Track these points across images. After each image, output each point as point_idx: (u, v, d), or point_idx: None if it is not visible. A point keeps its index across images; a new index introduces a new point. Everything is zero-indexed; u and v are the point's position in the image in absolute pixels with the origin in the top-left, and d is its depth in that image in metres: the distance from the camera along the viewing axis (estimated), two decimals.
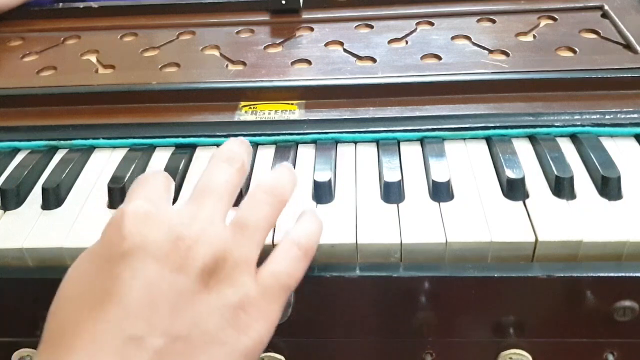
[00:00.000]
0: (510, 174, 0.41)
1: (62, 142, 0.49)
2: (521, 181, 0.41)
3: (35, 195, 0.44)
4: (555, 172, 0.41)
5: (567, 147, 0.45)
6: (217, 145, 0.48)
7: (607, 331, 0.40)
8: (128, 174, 0.44)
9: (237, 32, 0.63)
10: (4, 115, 0.52)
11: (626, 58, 0.52)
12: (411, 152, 0.46)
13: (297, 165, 0.45)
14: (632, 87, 0.49)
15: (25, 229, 0.41)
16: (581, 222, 0.38)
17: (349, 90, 0.51)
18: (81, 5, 0.69)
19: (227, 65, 0.57)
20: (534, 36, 0.57)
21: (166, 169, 0.45)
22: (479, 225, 0.38)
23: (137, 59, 0.59)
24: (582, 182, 0.41)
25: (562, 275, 0.37)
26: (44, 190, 0.44)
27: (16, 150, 0.49)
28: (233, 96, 0.52)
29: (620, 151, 0.44)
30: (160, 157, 0.47)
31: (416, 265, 0.38)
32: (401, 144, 0.46)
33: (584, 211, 0.39)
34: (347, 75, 0.52)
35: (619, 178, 0.40)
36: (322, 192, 0.42)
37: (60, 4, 0.70)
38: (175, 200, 0.43)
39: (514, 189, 0.41)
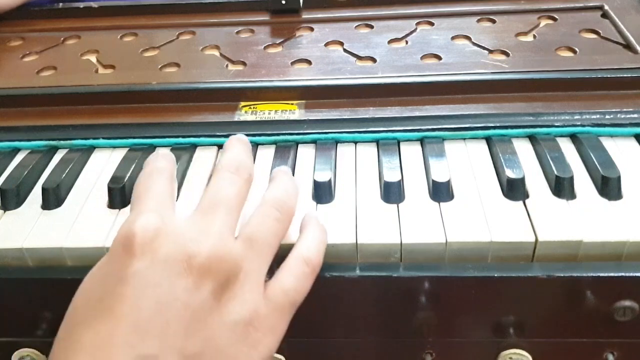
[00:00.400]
0: (510, 174, 0.41)
1: (62, 142, 0.49)
2: (521, 181, 0.41)
3: (35, 195, 0.44)
4: (555, 172, 0.41)
5: (567, 147, 0.45)
6: (217, 145, 0.48)
7: (607, 331, 0.40)
8: (128, 174, 0.44)
9: (237, 32, 0.63)
10: (4, 115, 0.52)
11: (626, 58, 0.52)
12: (411, 152, 0.46)
13: (297, 165, 0.45)
14: (632, 87, 0.49)
15: (25, 229, 0.41)
16: (581, 222, 0.38)
17: (349, 90, 0.51)
18: (81, 5, 0.69)
19: (227, 65, 0.57)
20: (534, 36, 0.57)
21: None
22: (479, 225, 0.38)
23: (137, 59, 0.59)
24: (582, 182, 0.41)
25: (562, 275, 0.37)
26: (44, 190, 0.44)
27: (16, 150, 0.49)
28: (233, 96, 0.52)
29: (620, 151, 0.44)
30: None
31: (416, 265, 0.38)
32: (401, 144, 0.46)
33: (584, 211, 0.39)
34: (347, 75, 0.52)
35: (619, 178, 0.40)
36: (322, 192, 0.42)
37: (60, 4, 0.70)
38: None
39: (514, 189, 0.41)
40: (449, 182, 0.41)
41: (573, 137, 0.46)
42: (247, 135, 0.47)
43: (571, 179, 0.41)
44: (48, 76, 0.57)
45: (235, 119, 0.50)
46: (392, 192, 0.41)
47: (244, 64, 0.57)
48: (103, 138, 0.49)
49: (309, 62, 0.56)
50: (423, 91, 0.50)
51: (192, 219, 0.34)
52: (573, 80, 0.50)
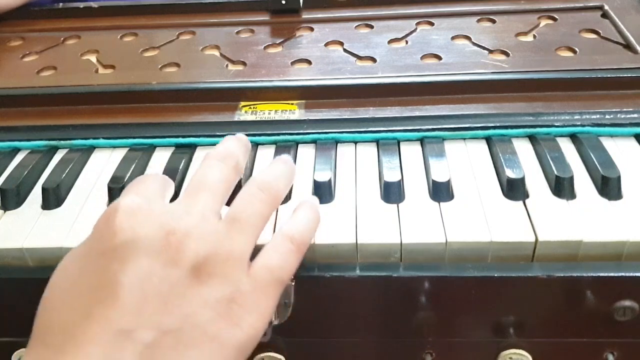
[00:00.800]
0: (510, 173, 0.41)
1: (62, 142, 0.49)
2: (521, 181, 0.41)
3: (35, 195, 0.44)
4: (555, 172, 0.41)
5: (567, 147, 0.45)
6: None
7: (607, 331, 0.40)
8: (128, 174, 0.44)
9: (237, 32, 0.63)
10: (4, 115, 0.52)
11: (626, 58, 0.52)
12: (411, 152, 0.46)
13: (297, 165, 0.45)
14: (632, 87, 0.49)
15: (25, 229, 0.41)
16: (581, 222, 0.38)
17: (349, 90, 0.51)
18: (81, 5, 0.69)
19: (227, 65, 0.57)
20: (534, 36, 0.58)
21: (166, 169, 0.45)
22: (479, 225, 0.38)
23: (137, 59, 0.59)
24: (582, 182, 0.41)
25: (562, 275, 0.37)
26: (44, 190, 0.44)
27: (16, 150, 0.49)
28: (233, 96, 0.52)
29: (620, 151, 0.44)
30: (160, 157, 0.47)
31: (416, 265, 0.38)
32: (401, 144, 0.46)
33: (584, 211, 0.39)
34: (347, 75, 0.52)
35: (619, 178, 0.40)
36: (322, 192, 0.42)
37: (60, 4, 0.70)
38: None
39: (514, 189, 0.41)
40: (449, 182, 0.41)
41: (573, 137, 0.46)
42: (247, 135, 0.47)
43: (571, 179, 0.41)
44: (48, 76, 0.57)
45: (235, 119, 0.50)
46: (392, 192, 0.41)
47: (244, 64, 0.57)
48: (103, 138, 0.49)
49: (309, 62, 0.56)
50: (423, 91, 0.50)
51: (177, 202, 0.34)
52: (573, 80, 0.50)
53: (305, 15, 0.64)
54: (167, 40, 0.62)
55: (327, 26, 0.62)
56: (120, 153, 0.48)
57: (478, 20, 0.61)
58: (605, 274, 0.37)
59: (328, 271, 0.38)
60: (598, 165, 0.41)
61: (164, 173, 0.44)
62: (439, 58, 0.55)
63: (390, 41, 0.58)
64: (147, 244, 0.31)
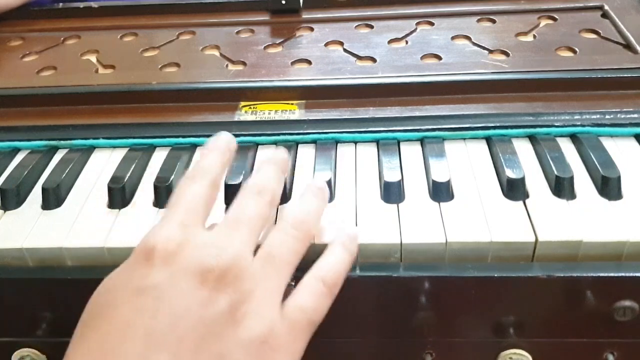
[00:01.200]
0: (510, 173, 0.41)
1: (62, 142, 0.49)
2: (521, 181, 0.41)
3: (35, 195, 0.44)
4: (555, 172, 0.41)
5: (567, 147, 0.45)
6: None
7: (607, 331, 0.40)
8: (128, 174, 0.44)
9: (237, 32, 0.63)
10: (4, 115, 0.52)
11: (626, 58, 0.52)
12: (411, 152, 0.46)
13: (297, 165, 0.45)
14: (632, 87, 0.49)
15: (25, 229, 0.41)
16: (581, 222, 0.38)
17: (349, 90, 0.51)
18: (81, 5, 0.69)
19: (227, 65, 0.57)
20: (534, 36, 0.57)
21: (166, 169, 0.45)
22: (479, 225, 0.38)
23: (137, 59, 0.59)
24: (582, 182, 0.41)
25: (562, 275, 0.37)
26: (44, 190, 0.44)
27: (16, 150, 0.49)
28: (233, 96, 0.52)
29: (620, 151, 0.44)
30: (161, 157, 0.47)
31: (416, 265, 0.38)
32: (401, 144, 0.46)
33: (584, 211, 0.39)
34: (347, 75, 0.52)
35: (619, 178, 0.40)
36: None
37: (60, 4, 0.70)
38: None
39: (514, 189, 0.41)
40: (449, 182, 0.41)
41: (573, 137, 0.46)
42: (247, 135, 0.47)
43: (571, 179, 0.41)
44: (48, 76, 0.57)
45: (235, 119, 0.50)
46: (392, 192, 0.41)
47: (244, 64, 0.57)
48: (103, 138, 0.49)
49: (309, 62, 0.56)
50: (423, 91, 0.50)
51: (214, 234, 0.34)
52: (573, 80, 0.50)
53: (305, 15, 0.64)
54: (167, 40, 0.62)
55: (327, 26, 0.62)
56: (120, 153, 0.48)
57: (478, 20, 0.61)
58: (605, 274, 0.37)
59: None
60: (598, 165, 0.41)
61: (161, 173, 0.44)
62: (439, 58, 0.55)
63: (390, 41, 0.58)
64: (184, 282, 0.30)
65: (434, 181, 0.41)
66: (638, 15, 0.59)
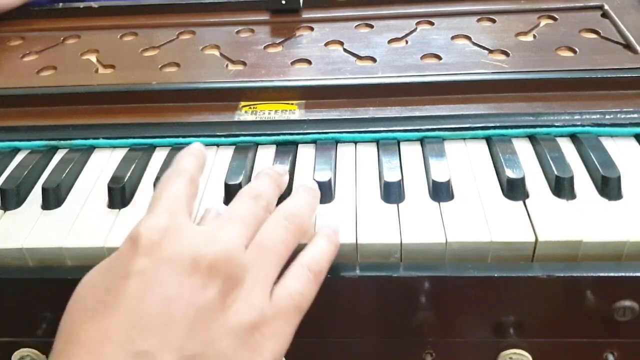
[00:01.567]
0: (510, 173, 0.41)
1: (62, 142, 0.49)
2: (521, 181, 0.41)
3: (35, 195, 0.44)
4: (555, 172, 0.41)
5: (567, 147, 0.45)
6: (217, 145, 0.48)
7: (607, 331, 0.40)
8: (128, 174, 0.44)
9: (237, 32, 0.63)
10: (4, 115, 0.52)
11: (626, 58, 0.52)
12: (411, 152, 0.46)
13: (297, 165, 0.45)
14: (632, 87, 0.49)
15: (25, 229, 0.41)
16: (581, 222, 0.38)
17: (349, 90, 0.51)
18: (81, 5, 0.69)
19: (227, 65, 0.57)
20: (534, 36, 0.57)
21: (166, 169, 0.45)
22: (479, 225, 0.38)
23: (137, 58, 0.59)
24: (582, 182, 0.41)
25: (562, 275, 0.37)
26: (44, 190, 0.44)
27: (16, 150, 0.49)
28: (233, 96, 0.52)
29: (620, 151, 0.44)
30: (160, 157, 0.47)
31: (416, 265, 0.38)
32: (401, 144, 0.46)
33: (584, 211, 0.39)
34: (347, 75, 0.52)
35: (619, 178, 0.40)
36: (323, 192, 0.42)
37: (60, 4, 0.70)
38: None
39: (514, 189, 0.41)
40: (449, 182, 0.41)
41: (573, 137, 0.46)
42: (247, 135, 0.47)
43: (571, 179, 0.41)
44: (48, 76, 0.57)
45: (235, 119, 0.50)
46: (392, 192, 0.41)
47: (244, 63, 0.57)
48: (103, 138, 0.49)
49: (309, 62, 0.56)
50: (423, 91, 0.50)
51: (207, 227, 0.34)
52: (573, 80, 0.50)
53: (305, 15, 0.64)
54: (167, 40, 0.62)
55: (327, 26, 0.62)
56: (120, 153, 0.48)
57: (478, 20, 0.61)
58: (605, 274, 0.37)
59: (328, 271, 0.38)
60: (598, 165, 0.41)
61: (161, 173, 0.44)
62: (439, 58, 0.54)
63: (390, 41, 0.58)
64: (175, 266, 0.31)
65: (434, 181, 0.41)
66: (638, 15, 0.59)
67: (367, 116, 0.48)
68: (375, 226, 0.39)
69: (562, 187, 0.40)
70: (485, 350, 0.41)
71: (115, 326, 0.29)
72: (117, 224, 0.41)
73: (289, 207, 0.37)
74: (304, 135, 0.47)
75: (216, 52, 0.60)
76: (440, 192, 0.41)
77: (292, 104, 0.51)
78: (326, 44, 0.59)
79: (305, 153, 0.46)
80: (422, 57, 0.55)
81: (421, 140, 0.46)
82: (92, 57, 0.60)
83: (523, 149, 0.45)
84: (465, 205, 0.40)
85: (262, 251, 0.33)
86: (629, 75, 0.49)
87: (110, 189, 0.43)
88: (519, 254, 0.38)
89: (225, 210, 0.36)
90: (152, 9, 0.67)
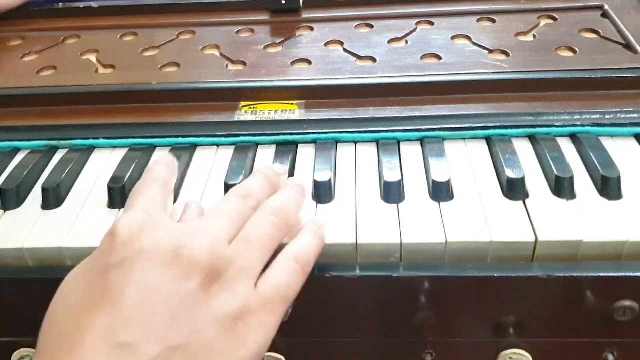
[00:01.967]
0: (510, 173, 0.41)
1: (62, 142, 0.49)
2: (521, 181, 0.41)
3: (35, 195, 0.44)
4: (555, 172, 0.41)
5: (567, 147, 0.45)
6: (217, 145, 0.48)
7: (607, 331, 0.40)
8: (128, 174, 0.44)
9: (237, 32, 0.63)
10: (4, 115, 0.52)
11: (626, 58, 0.52)
12: (411, 152, 0.46)
13: (297, 165, 0.45)
14: (632, 87, 0.49)
15: (25, 229, 0.41)
16: (581, 222, 0.38)
17: (349, 90, 0.51)
18: (81, 5, 0.69)
19: (227, 65, 0.57)
20: (534, 36, 0.57)
21: None
22: (479, 225, 0.38)
23: (137, 58, 0.59)
24: (582, 182, 0.41)
25: (562, 275, 0.37)
26: (44, 190, 0.44)
27: (16, 150, 0.49)
28: (233, 96, 0.52)
29: (620, 151, 0.44)
30: None
31: (416, 265, 0.38)
32: (401, 144, 0.46)
33: (584, 211, 0.39)
34: (347, 75, 0.52)
35: (619, 178, 0.40)
36: (322, 192, 0.42)
37: (60, 4, 0.70)
38: (175, 200, 0.43)
39: (514, 189, 0.41)
40: (449, 182, 0.41)
41: (573, 137, 0.46)
42: (247, 135, 0.47)
43: (571, 179, 0.41)
44: (48, 76, 0.57)
45: (235, 119, 0.50)
46: (392, 192, 0.41)
47: (244, 63, 0.57)
48: (103, 138, 0.49)
49: (309, 62, 0.56)
50: (423, 91, 0.50)
51: (188, 223, 0.34)
52: (573, 80, 0.50)
53: (305, 15, 0.64)
54: (167, 40, 0.62)
55: (327, 26, 0.62)
56: (120, 153, 0.48)
57: (478, 20, 0.61)
58: (605, 274, 0.37)
59: (328, 271, 0.38)
60: (598, 165, 0.41)
61: None
62: (439, 58, 0.55)
63: (390, 41, 0.58)
64: (155, 257, 0.31)
65: (434, 181, 0.41)
66: (638, 15, 0.59)
67: (367, 116, 0.48)
68: (375, 226, 0.39)
69: (562, 187, 0.40)
70: (485, 350, 0.41)
71: (97, 318, 0.29)
72: None
73: (275, 202, 0.37)
74: (304, 135, 0.47)
75: (216, 52, 0.60)
76: (440, 192, 0.41)
77: (292, 104, 0.51)
78: (326, 44, 0.59)
79: (305, 153, 0.46)
80: (422, 57, 0.55)
81: (421, 140, 0.46)
82: (92, 57, 0.60)
83: (523, 149, 0.45)
84: (465, 205, 0.40)
85: (247, 244, 0.33)
86: (629, 75, 0.49)
87: (110, 189, 0.43)
88: (519, 254, 0.38)
89: (212, 207, 0.36)
90: (152, 9, 0.67)
